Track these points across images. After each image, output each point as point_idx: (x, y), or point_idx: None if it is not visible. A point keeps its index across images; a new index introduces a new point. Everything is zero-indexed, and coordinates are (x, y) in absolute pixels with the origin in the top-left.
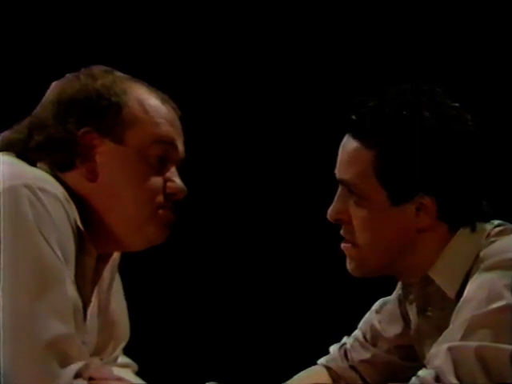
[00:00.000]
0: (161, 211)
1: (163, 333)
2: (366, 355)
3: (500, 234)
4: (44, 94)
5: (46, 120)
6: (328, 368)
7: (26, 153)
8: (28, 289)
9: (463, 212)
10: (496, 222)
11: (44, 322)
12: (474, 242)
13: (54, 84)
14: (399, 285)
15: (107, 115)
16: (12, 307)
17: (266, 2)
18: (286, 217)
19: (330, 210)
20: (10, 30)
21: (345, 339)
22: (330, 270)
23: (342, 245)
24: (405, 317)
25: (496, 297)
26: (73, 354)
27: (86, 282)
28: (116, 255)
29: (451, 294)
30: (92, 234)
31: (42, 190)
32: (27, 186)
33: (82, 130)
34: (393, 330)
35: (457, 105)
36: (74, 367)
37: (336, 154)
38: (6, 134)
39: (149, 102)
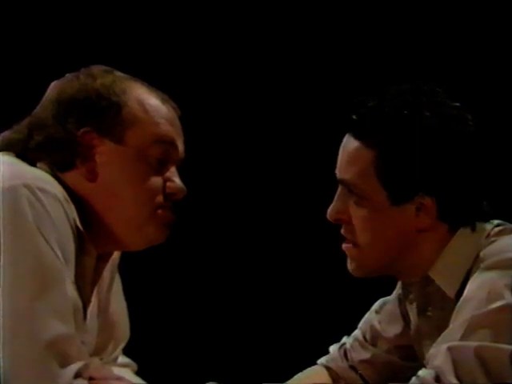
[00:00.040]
0: (160, 211)
1: (163, 333)
2: (366, 355)
3: (500, 233)
4: (44, 94)
5: (45, 120)
6: (328, 368)
7: (26, 153)
8: (28, 289)
9: (463, 212)
10: (496, 221)
11: (44, 322)
12: (474, 242)
13: (53, 84)
14: (399, 284)
15: (107, 115)
16: (12, 307)
17: (265, 2)
18: (286, 217)
19: (329, 210)
20: (9, 29)
21: (344, 339)
22: (330, 270)
23: (343, 245)
24: (405, 317)
25: (496, 296)
26: (72, 354)
27: (85, 282)
28: (116, 255)
29: (451, 293)
30: (92, 233)
31: (42, 190)
32: (27, 186)
33: (82, 130)
34: (393, 329)
35: (457, 104)
36: (73, 367)
37: (336, 154)
38: (6, 133)
39: (149, 101)
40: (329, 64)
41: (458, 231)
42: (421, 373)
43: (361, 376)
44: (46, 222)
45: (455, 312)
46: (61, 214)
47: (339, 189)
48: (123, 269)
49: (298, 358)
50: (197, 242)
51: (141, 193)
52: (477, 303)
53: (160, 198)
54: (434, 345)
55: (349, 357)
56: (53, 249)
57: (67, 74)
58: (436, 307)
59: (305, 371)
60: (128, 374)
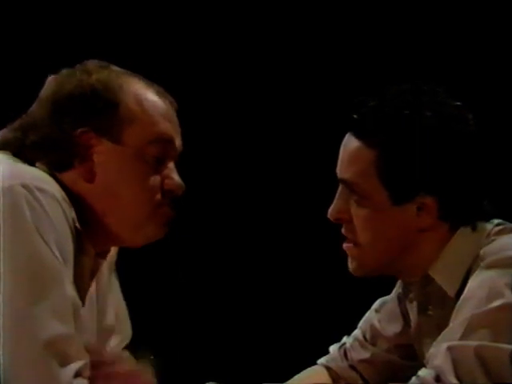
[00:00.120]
0: (160, 209)
1: (162, 333)
2: (366, 355)
3: (500, 233)
4: (39, 89)
5: (41, 119)
6: (328, 368)
7: (23, 152)
8: (27, 289)
9: (464, 211)
10: (496, 221)
11: (43, 321)
12: (474, 241)
13: (49, 80)
14: (398, 283)
15: (104, 114)
16: (11, 307)
17: (265, 2)
18: (286, 216)
19: (330, 210)
20: (7, 27)
21: (344, 339)
22: (331, 270)
23: (344, 245)
24: (404, 315)
25: (496, 295)
26: (72, 354)
27: (84, 282)
28: (113, 251)
29: (451, 292)
30: (90, 233)
31: (40, 189)
32: (25, 186)
33: (80, 130)
34: (392, 328)
35: (458, 104)
36: (73, 366)
37: (337, 154)
38: (2, 132)
39: (146, 98)
40: (329, 63)
41: (458, 230)
42: (421, 372)
43: (361, 376)
44: (45, 222)
45: (455, 311)
46: (59, 214)
47: (340, 188)
48: (122, 268)
49: (298, 358)
50: (196, 240)
51: (139, 192)
52: (477, 302)
53: (159, 197)
54: (434, 344)
55: (349, 356)
56: (51, 249)
57: (63, 70)
58: (436, 306)
59: (305, 371)
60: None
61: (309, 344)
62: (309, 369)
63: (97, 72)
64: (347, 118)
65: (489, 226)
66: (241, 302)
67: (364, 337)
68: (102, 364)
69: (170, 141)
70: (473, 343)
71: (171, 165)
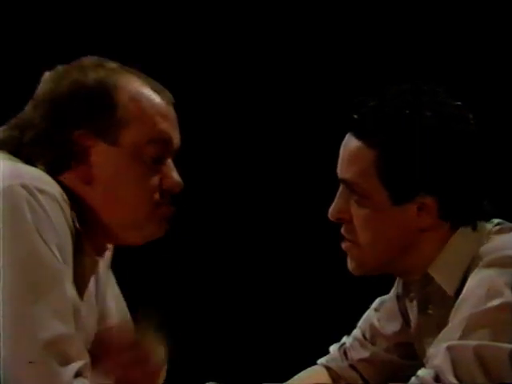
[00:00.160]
0: (159, 209)
1: (162, 332)
2: (365, 354)
3: (499, 232)
4: (35, 85)
5: (37, 120)
6: (328, 368)
7: (21, 151)
8: (27, 289)
9: (464, 211)
10: (496, 220)
11: (44, 321)
12: (474, 241)
13: (44, 78)
14: (397, 282)
15: (101, 116)
16: (11, 308)
17: (265, 1)
18: (286, 216)
19: (331, 209)
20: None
21: (344, 339)
22: (330, 269)
23: (343, 244)
24: (404, 314)
25: (495, 294)
26: (73, 354)
27: (84, 282)
28: (109, 248)
29: (450, 291)
30: (90, 233)
31: (40, 190)
32: (24, 186)
33: (77, 133)
34: (391, 327)
35: (458, 104)
36: (74, 366)
37: (337, 154)
38: None
39: (143, 97)
40: (329, 63)
41: (458, 230)
42: (420, 372)
43: (361, 375)
44: (45, 223)
45: (454, 310)
46: (59, 215)
47: (340, 188)
48: (121, 267)
49: (298, 358)
50: (196, 239)
51: (138, 193)
52: (476, 301)
53: (157, 196)
54: (434, 343)
55: (349, 356)
56: (51, 249)
57: (58, 66)
58: (436, 305)
59: (305, 371)
60: None
61: (309, 344)
62: (309, 369)
63: (93, 71)
64: (347, 118)
65: (489, 226)
66: (241, 301)
67: (363, 336)
68: (118, 350)
69: (167, 140)
70: (472, 343)
71: (169, 162)
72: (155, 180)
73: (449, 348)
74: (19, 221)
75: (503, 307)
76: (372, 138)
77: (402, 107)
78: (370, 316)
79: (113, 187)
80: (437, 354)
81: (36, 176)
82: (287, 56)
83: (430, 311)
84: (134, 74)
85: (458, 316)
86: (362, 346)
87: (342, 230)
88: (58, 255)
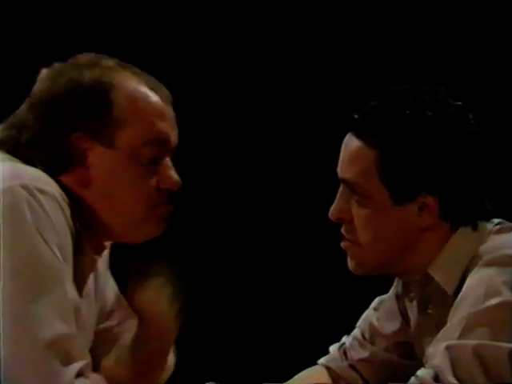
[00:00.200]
0: (157, 209)
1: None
2: (365, 354)
3: (499, 232)
4: (32, 81)
5: (33, 120)
6: (328, 368)
7: (19, 150)
8: (28, 289)
9: (465, 211)
10: (496, 220)
11: (45, 321)
12: (474, 240)
13: (41, 77)
14: (396, 281)
15: (97, 117)
16: (12, 307)
17: (266, 1)
18: (287, 215)
19: (332, 209)
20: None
21: (344, 338)
22: (330, 269)
23: (343, 243)
24: (403, 313)
25: (494, 293)
26: (74, 354)
27: (84, 282)
28: (107, 245)
29: (450, 290)
30: (89, 232)
31: (40, 190)
32: (24, 187)
33: (73, 136)
34: (391, 326)
35: (459, 103)
36: (75, 366)
37: (337, 153)
38: None
39: (139, 97)
40: (330, 63)
41: (458, 230)
42: (419, 372)
43: (361, 375)
44: (45, 223)
45: (453, 309)
46: (59, 215)
47: (341, 188)
48: (119, 267)
49: (298, 358)
50: (194, 239)
51: (135, 195)
52: (474, 300)
53: (155, 197)
54: (433, 343)
55: (348, 356)
56: (52, 249)
57: (55, 64)
58: (436, 305)
59: (305, 371)
60: None
61: (309, 344)
62: (309, 369)
63: (89, 70)
64: (348, 118)
65: (489, 226)
66: (240, 301)
67: (363, 336)
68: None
69: (165, 140)
70: (471, 342)
71: (167, 161)
72: (152, 180)
73: (448, 347)
74: (19, 221)
75: (502, 306)
76: (373, 138)
77: (402, 107)
78: (369, 316)
79: (110, 189)
80: (436, 353)
81: (36, 176)
82: (288, 55)
83: (429, 311)
84: (130, 72)
85: (457, 315)
86: (362, 345)
87: (342, 230)
88: (58, 255)
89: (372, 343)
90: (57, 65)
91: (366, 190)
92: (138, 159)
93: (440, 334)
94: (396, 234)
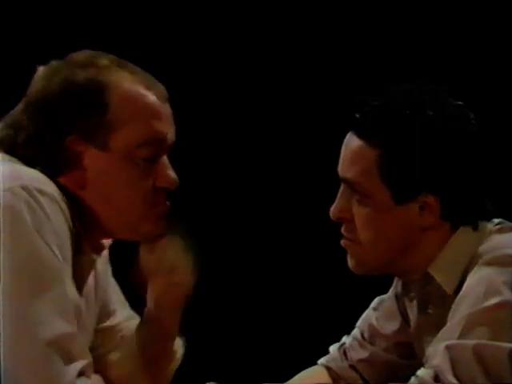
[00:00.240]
0: (154, 208)
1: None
2: (364, 354)
3: (499, 231)
4: (29, 79)
5: (27, 122)
6: (328, 368)
7: (16, 150)
8: (28, 289)
9: (466, 211)
10: (497, 220)
11: (46, 321)
12: (474, 240)
13: (36, 77)
14: (396, 281)
15: (91, 119)
16: (13, 308)
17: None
18: (287, 215)
19: (332, 209)
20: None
21: (344, 338)
22: (330, 269)
23: (343, 241)
24: (403, 313)
25: (494, 293)
26: (75, 353)
27: (83, 280)
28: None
29: (450, 290)
30: (89, 232)
31: (39, 191)
32: (24, 188)
33: (68, 139)
34: (390, 326)
35: (460, 103)
36: (76, 365)
37: (338, 152)
38: None
39: (135, 97)
40: (331, 62)
41: (458, 229)
42: (419, 372)
43: (361, 376)
44: (45, 224)
45: (453, 309)
46: (58, 215)
47: (342, 187)
48: (119, 267)
49: (298, 358)
50: (193, 239)
51: (132, 196)
52: (474, 300)
53: (152, 196)
54: (433, 343)
55: (348, 356)
56: (52, 249)
57: (52, 62)
58: (436, 305)
59: (305, 371)
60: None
61: (309, 344)
62: (309, 369)
63: (84, 70)
64: (349, 117)
65: (489, 226)
66: (240, 301)
67: (362, 336)
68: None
69: (161, 140)
70: (471, 342)
71: (164, 159)
72: (149, 180)
73: (448, 347)
74: (19, 222)
75: (502, 306)
76: (374, 138)
77: (404, 107)
78: (368, 316)
79: (106, 190)
80: (436, 353)
81: (35, 177)
82: (289, 53)
83: (429, 311)
84: (126, 71)
85: (457, 315)
86: (361, 346)
87: (343, 229)
88: (58, 255)
89: (372, 343)
90: (53, 63)
91: (367, 189)
92: (133, 160)
93: (440, 334)
94: (397, 234)
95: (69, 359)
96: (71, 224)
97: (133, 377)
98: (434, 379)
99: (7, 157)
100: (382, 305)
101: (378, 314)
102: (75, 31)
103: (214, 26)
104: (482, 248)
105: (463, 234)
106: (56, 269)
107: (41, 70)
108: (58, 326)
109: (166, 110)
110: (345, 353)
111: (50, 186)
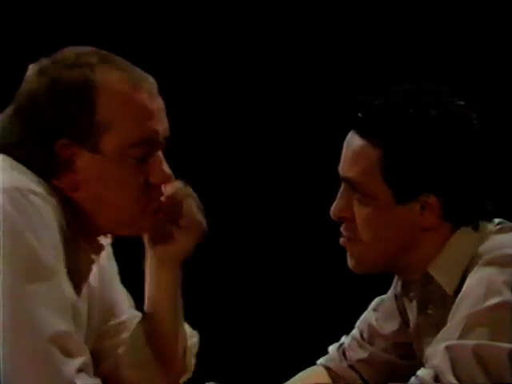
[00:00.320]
0: (149, 206)
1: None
2: (364, 354)
3: (499, 231)
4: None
5: (16, 124)
6: (327, 368)
7: (8, 151)
8: (26, 288)
9: (466, 211)
10: (497, 220)
11: (44, 319)
12: (474, 240)
13: (27, 75)
14: (395, 281)
15: (80, 121)
16: (11, 307)
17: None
18: (287, 215)
19: (333, 208)
20: None
21: (343, 339)
22: (330, 269)
23: (342, 239)
24: (402, 313)
25: (494, 293)
26: (73, 350)
27: (81, 280)
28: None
29: (450, 290)
30: (84, 231)
31: (33, 192)
32: (18, 189)
33: (58, 143)
34: (389, 326)
35: (462, 103)
36: (75, 362)
37: (338, 152)
38: None
39: (123, 96)
40: (332, 61)
41: (459, 229)
42: (419, 372)
43: (360, 376)
44: (39, 224)
45: (453, 309)
46: (51, 215)
47: (342, 186)
48: (121, 266)
49: (298, 358)
50: None
51: (125, 195)
52: (474, 300)
53: (146, 195)
54: (433, 343)
55: (347, 356)
56: (47, 249)
57: (42, 60)
58: (436, 305)
59: (305, 371)
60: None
61: (309, 344)
62: (308, 369)
63: (71, 69)
64: (351, 117)
65: (490, 226)
66: (240, 301)
67: (361, 336)
68: None
69: (153, 138)
70: (471, 342)
71: (158, 155)
72: (142, 178)
73: (448, 348)
74: (14, 223)
75: (502, 306)
76: (376, 137)
77: (406, 106)
78: (368, 316)
79: (98, 192)
80: (436, 353)
81: (29, 178)
82: (290, 53)
83: (429, 311)
84: (114, 68)
85: (457, 315)
86: (361, 346)
87: (342, 228)
88: (53, 254)
89: (371, 344)
90: (42, 61)
91: (369, 188)
92: (125, 161)
93: (440, 334)
94: (397, 233)
95: (67, 356)
96: (65, 224)
97: (144, 371)
98: (434, 379)
99: (2, 157)
100: (382, 305)
101: (377, 315)
102: (71, 28)
103: (214, 24)
104: (483, 248)
105: (463, 234)
106: (52, 269)
107: (30, 68)
108: (56, 324)
109: (157, 105)
110: (344, 353)
111: (43, 188)
